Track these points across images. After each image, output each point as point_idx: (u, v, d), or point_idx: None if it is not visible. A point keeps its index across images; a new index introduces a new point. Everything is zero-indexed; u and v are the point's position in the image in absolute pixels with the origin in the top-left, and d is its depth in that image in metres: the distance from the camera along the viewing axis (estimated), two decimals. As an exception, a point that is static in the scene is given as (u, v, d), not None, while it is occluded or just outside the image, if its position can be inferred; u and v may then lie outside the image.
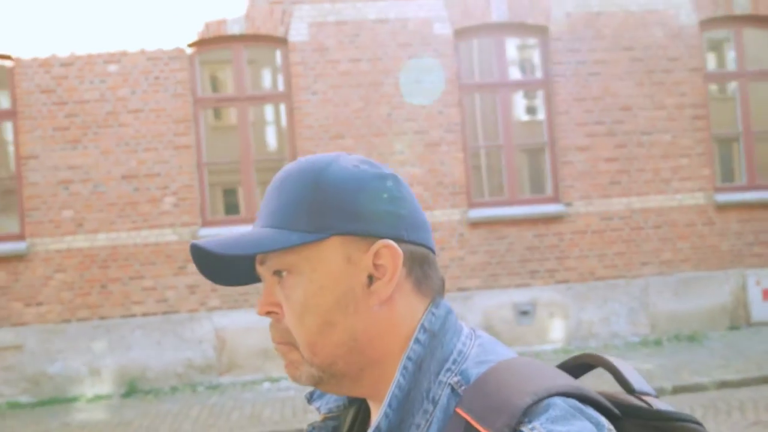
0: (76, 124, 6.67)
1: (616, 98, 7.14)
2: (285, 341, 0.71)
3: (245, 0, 6.84)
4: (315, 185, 0.68)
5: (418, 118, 6.95)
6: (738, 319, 7.27)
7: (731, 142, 8.26)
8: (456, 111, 7.01)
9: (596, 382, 0.74)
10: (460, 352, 0.69)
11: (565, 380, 0.64)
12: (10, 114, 6.77)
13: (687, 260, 7.20)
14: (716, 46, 9.50)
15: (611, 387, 0.76)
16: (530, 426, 0.58)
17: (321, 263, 0.68)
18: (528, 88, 7.59)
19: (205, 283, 6.65)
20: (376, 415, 0.68)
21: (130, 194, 6.70)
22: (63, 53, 6.68)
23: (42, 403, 6.51)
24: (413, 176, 6.93)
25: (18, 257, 6.60)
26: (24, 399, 6.58)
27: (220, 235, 0.69)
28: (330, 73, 6.88)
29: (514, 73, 7.72)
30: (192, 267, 6.32)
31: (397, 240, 0.69)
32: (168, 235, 6.69)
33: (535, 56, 7.36)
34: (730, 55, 8.04)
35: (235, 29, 6.83)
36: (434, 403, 0.66)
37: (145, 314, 6.69)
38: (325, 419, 0.78)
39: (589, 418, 0.61)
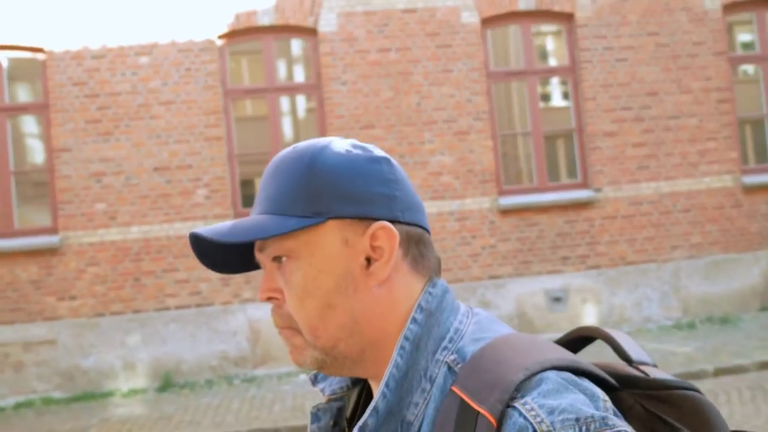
0: (108, 117, 6.67)
1: (643, 83, 7.19)
2: (288, 326, 0.72)
3: (274, -9, 6.88)
4: (310, 170, 0.69)
5: (447, 107, 6.98)
6: (768, 301, 7.29)
7: (756, 124, 8.31)
8: (484, 99, 7.04)
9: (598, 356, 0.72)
10: (456, 331, 0.69)
11: (559, 354, 0.64)
12: (43, 107, 6.76)
13: (716, 243, 7.23)
14: (739, 29, 9.58)
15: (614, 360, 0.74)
16: (522, 401, 0.58)
17: (319, 247, 0.68)
18: (555, 75, 7.62)
19: (239, 275, 6.61)
20: (376, 394, 0.68)
21: (162, 186, 6.69)
22: (94, 46, 6.68)
23: (76, 398, 6.45)
24: (443, 165, 6.94)
25: (51, 251, 6.57)
26: (57, 394, 6.53)
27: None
28: (359, 63, 6.90)
29: (541, 61, 7.76)
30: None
31: (393, 221, 0.69)
32: (201, 227, 6.67)
33: (562, 43, 7.41)
34: (753, 38, 8.12)
35: (265, 20, 6.85)
36: (431, 381, 0.66)
37: (178, 307, 6.66)
38: (329, 401, 0.78)
39: (583, 390, 0.60)
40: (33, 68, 6.95)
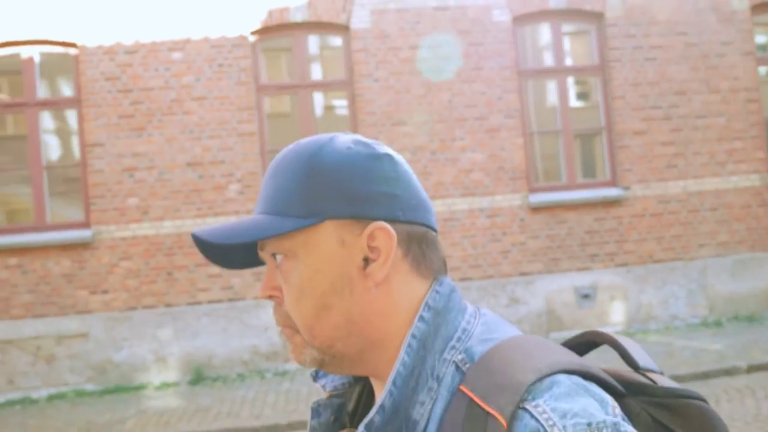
0: (141, 112, 6.68)
1: (671, 83, 7.23)
2: (287, 324, 0.71)
3: (306, -12, 6.90)
4: (308, 169, 0.68)
5: (478, 104, 7.01)
6: (794, 300, 7.35)
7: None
8: (515, 97, 7.07)
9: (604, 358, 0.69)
10: (464, 330, 0.68)
11: (569, 357, 0.63)
12: (75, 102, 6.77)
13: (743, 242, 7.28)
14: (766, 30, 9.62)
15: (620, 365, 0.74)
16: (534, 403, 0.58)
17: (315, 247, 0.68)
18: (584, 73, 7.65)
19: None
20: (381, 393, 0.67)
21: (194, 181, 6.71)
22: (127, 41, 6.69)
23: (108, 391, 6.47)
24: (474, 162, 6.98)
25: (83, 245, 6.58)
26: (89, 387, 6.54)
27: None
28: (391, 60, 6.93)
29: (570, 59, 7.79)
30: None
31: (392, 221, 0.68)
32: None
33: (592, 42, 7.44)
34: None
35: (297, 17, 6.87)
36: (438, 380, 0.65)
37: (210, 301, 6.68)
38: (330, 397, 0.78)
39: (593, 395, 0.60)
40: (66, 63, 6.95)
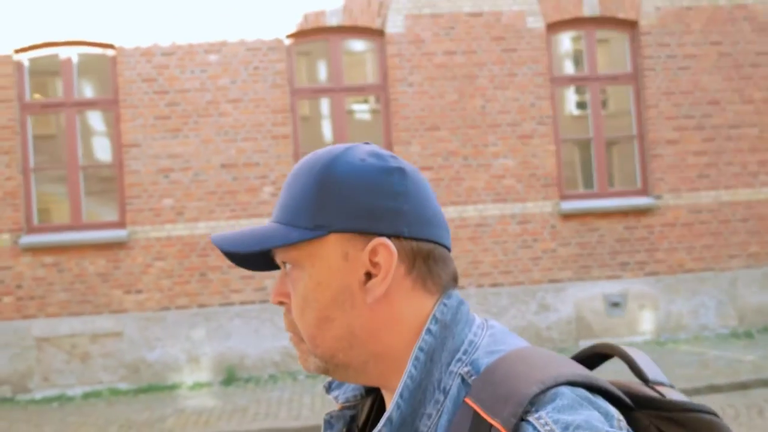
0: (177, 113, 6.73)
1: (705, 92, 7.22)
2: (295, 331, 0.73)
3: (342, -8, 6.93)
4: (318, 181, 0.69)
5: (511, 111, 7.02)
6: (824, 311, 7.32)
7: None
8: (548, 104, 7.08)
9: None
10: (471, 343, 0.68)
11: (574, 369, 0.63)
12: (112, 103, 6.83)
13: (774, 253, 7.26)
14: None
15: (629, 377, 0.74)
16: (537, 415, 0.58)
17: (320, 260, 0.69)
18: (617, 81, 7.65)
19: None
20: (390, 404, 0.68)
21: (229, 183, 6.76)
22: (164, 43, 6.75)
23: (141, 390, 6.54)
24: (506, 168, 6.99)
25: (118, 245, 6.64)
26: (123, 386, 6.61)
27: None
28: (425, 65, 6.95)
29: (603, 67, 7.79)
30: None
31: (397, 237, 0.68)
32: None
33: (625, 50, 7.44)
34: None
35: (333, 21, 6.90)
36: (445, 393, 0.66)
37: (243, 302, 6.73)
38: (342, 408, 0.79)
39: (598, 408, 0.60)
40: (103, 64, 7.02)
